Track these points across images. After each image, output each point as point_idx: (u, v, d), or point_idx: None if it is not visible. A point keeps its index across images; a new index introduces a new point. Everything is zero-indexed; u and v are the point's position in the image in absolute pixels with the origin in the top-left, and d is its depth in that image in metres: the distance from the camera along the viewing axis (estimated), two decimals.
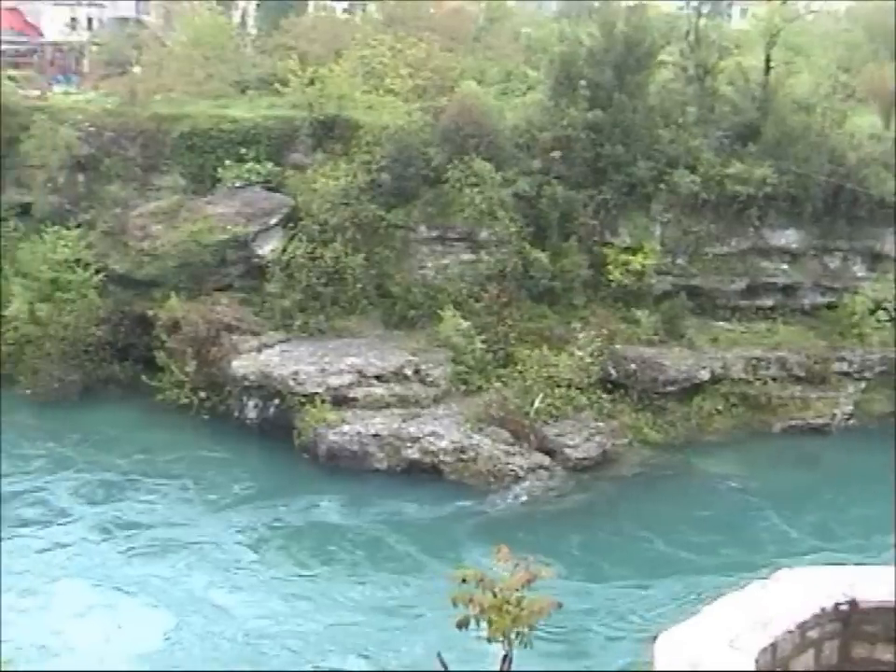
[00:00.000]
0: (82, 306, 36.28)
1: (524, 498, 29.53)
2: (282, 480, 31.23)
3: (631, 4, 40.84)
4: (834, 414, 34.98)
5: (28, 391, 35.97)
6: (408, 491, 29.96)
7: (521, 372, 32.22)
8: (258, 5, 54.18)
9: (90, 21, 60.88)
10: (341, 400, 31.84)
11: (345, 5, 56.30)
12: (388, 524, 28.51)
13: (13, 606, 23.23)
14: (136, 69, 45.46)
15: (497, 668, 7.31)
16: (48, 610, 23.49)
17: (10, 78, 45.32)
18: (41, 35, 57.37)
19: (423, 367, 32.89)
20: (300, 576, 26.04)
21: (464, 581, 7.60)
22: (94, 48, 55.44)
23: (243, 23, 52.24)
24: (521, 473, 30.09)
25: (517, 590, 7.31)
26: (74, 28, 58.84)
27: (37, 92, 45.00)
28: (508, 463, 30.22)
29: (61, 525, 27.93)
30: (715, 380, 34.53)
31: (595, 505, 29.49)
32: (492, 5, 47.98)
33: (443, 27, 44.48)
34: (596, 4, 45.67)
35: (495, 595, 7.26)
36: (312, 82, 38.11)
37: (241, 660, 22.00)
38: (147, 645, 22.61)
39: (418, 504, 29.54)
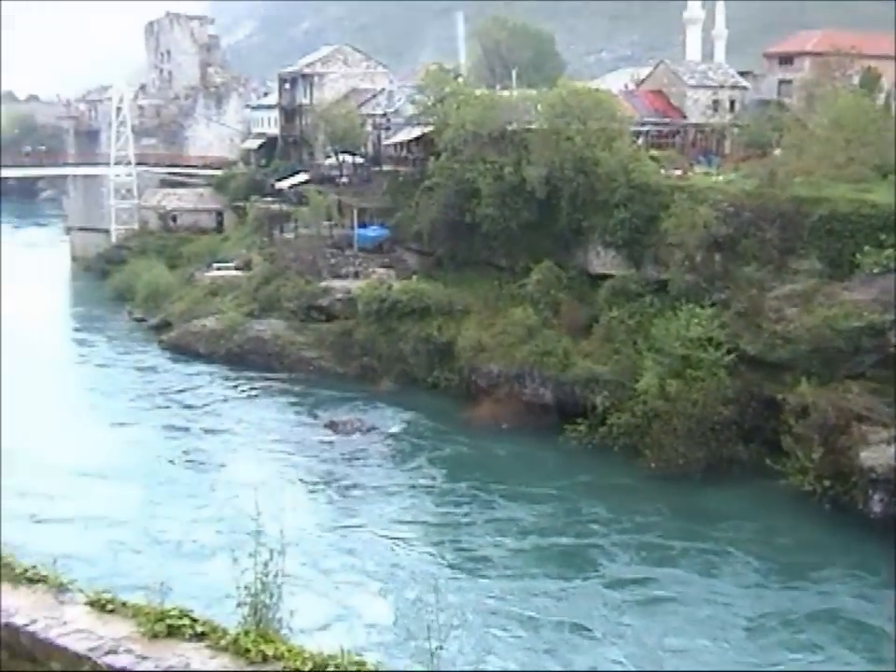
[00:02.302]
0: (711, 385, 50.92)
1: None
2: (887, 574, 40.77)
3: None
4: None
5: (652, 464, 51.79)
6: None
7: None
8: None
9: (732, 103, 78.83)
10: None
11: None
12: None
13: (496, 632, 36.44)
14: (777, 151, 60.53)
15: None
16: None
17: (653, 158, 63.76)
18: (684, 116, 76.37)
19: None
20: (791, 659, 34.87)
21: None
22: (736, 129, 72.69)
23: (886, 106, 64.76)
24: None
25: None
26: (716, 110, 77.25)
27: (679, 172, 62.72)
28: None
29: (593, 578, 41.34)
30: None
31: None
32: None
33: None
34: None
35: None
36: None
37: None
38: None
39: None
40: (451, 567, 42.72)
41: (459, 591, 40.09)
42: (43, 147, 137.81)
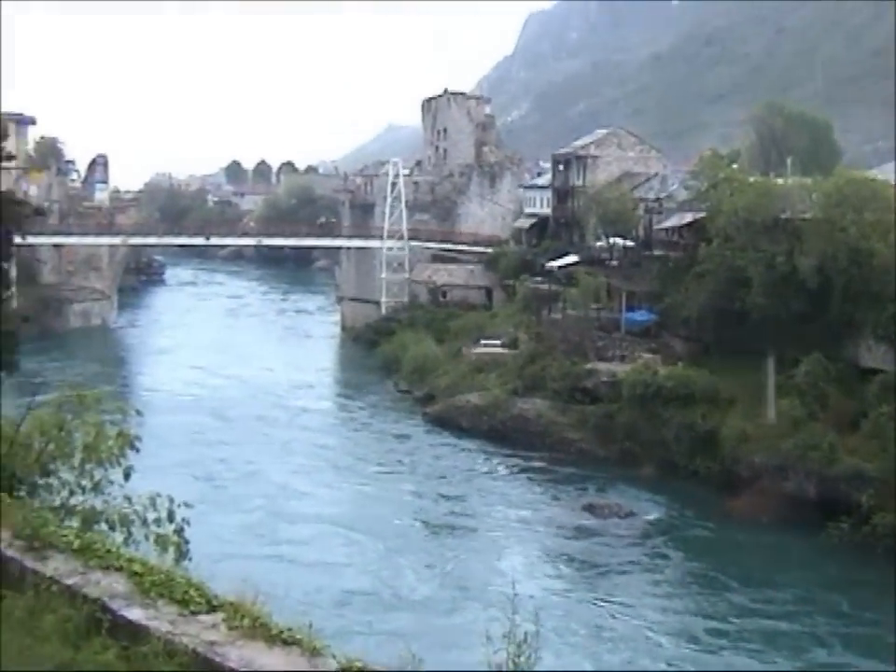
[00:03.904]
0: None
1: None
2: None
3: None
4: None
5: None
6: None
7: None
8: None
9: None
10: None
11: None
12: None
13: None
14: None
15: None
16: None
17: None
18: None
19: None
20: None
21: None
22: None
23: None
24: None
25: None
26: None
27: None
28: None
29: (792, 659, 43.40)
30: None
31: None
32: None
33: None
34: None
35: None
36: None
37: None
38: None
39: None
40: (656, 633, 45.80)
41: (649, 654, 43.60)
42: (334, 220, 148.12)
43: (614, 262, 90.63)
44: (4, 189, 60.82)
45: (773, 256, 68.02)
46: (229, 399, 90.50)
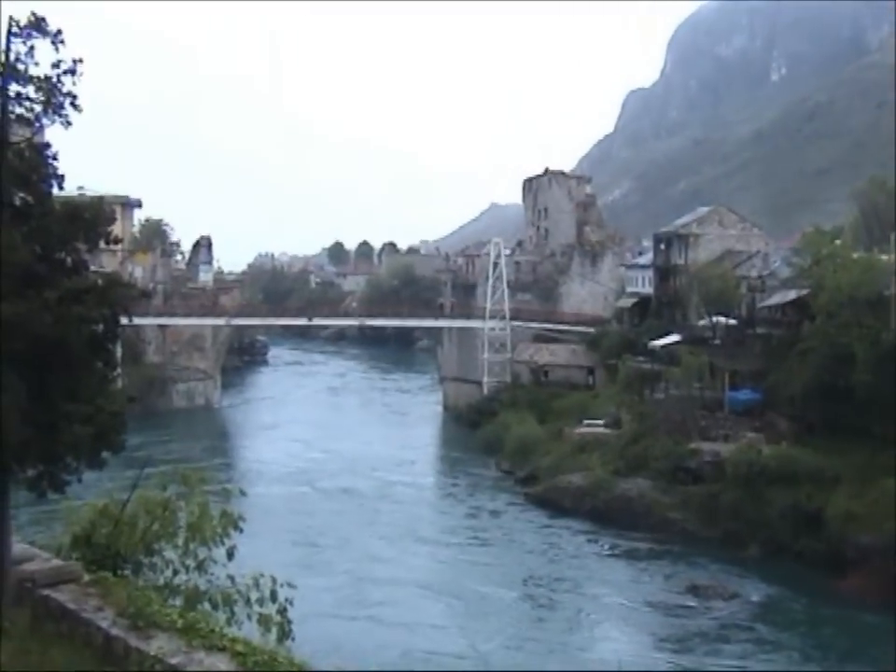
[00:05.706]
0: None
1: None
2: None
3: None
4: None
5: None
6: None
7: None
8: None
9: None
10: None
11: None
12: None
13: None
14: None
15: None
16: None
17: None
18: None
19: None
20: None
21: None
22: None
23: None
24: None
25: None
26: None
27: None
28: None
29: None
30: None
31: None
32: None
33: None
34: None
35: None
36: None
37: None
38: None
39: None
40: None
41: None
42: (454, 301, 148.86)
43: (717, 341, 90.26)
44: (110, 270, 62.88)
45: (878, 332, 67.55)
46: (328, 472, 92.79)
